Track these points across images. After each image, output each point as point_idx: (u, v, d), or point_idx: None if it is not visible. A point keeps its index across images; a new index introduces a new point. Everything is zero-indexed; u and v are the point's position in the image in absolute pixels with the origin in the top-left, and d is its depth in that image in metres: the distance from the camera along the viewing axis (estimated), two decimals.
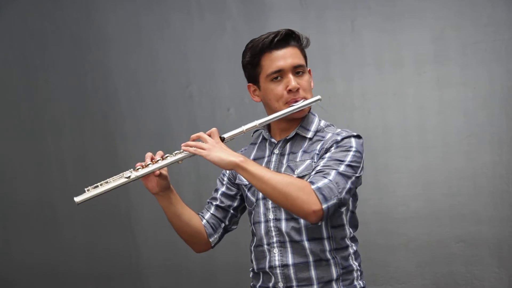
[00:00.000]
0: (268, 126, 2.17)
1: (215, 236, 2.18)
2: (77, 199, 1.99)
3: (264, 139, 2.18)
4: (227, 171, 2.21)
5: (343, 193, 1.91)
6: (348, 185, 1.93)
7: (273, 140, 2.13)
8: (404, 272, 3.59)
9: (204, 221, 2.17)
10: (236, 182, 2.19)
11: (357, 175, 1.98)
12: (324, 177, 1.90)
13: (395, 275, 3.61)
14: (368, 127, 3.61)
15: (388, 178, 3.61)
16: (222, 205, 2.20)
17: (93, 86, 3.97)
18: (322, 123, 2.13)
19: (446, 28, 3.55)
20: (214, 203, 2.20)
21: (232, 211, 2.21)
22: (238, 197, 2.21)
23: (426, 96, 3.58)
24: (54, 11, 3.99)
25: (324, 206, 1.87)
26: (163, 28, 3.90)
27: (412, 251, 3.59)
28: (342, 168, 1.94)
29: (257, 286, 2.12)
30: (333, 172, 1.92)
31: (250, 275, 2.17)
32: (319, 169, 1.94)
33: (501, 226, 3.48)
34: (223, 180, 2.23)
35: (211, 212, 2.19)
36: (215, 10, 3.84)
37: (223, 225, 2.20)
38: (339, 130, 2.08)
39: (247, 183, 2.12)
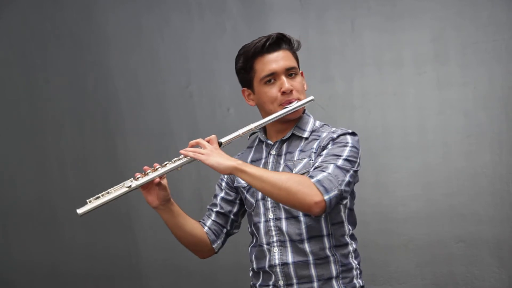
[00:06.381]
0: (264, 129, 2.20)
1: (218, 242, 2.22)
2: (80, 211, 2.02)
3: (260, 141, 2.21)
4: (225, 176, 2.25)
5: (343, 185, 1.94)
6: (347, 178, 1.96)
7: (269, 141, 2.17)
8: (404, 272, 3.59)
9: (206, 228, 2.21)
10: (234, 185, 2.21)
11: (354, 169, 2.01)
12: (323, 171, 1.94)
13: (395, 275, 3.60)
14: (368, 127, 3.61)
15: (388, 178, 3.61)
16: (222, 211, 2.23)
17: (93, 86, 3.97)
18: (317, 123, 2.16)
19: (446, 28, 3.54)
20: (215, 209, 2.23)
21: (232, 216, 2.24)
22: (238, 201, 2.24)
23: (426, 96, 3.58)
24: (54, 11, 3.99)
25: (326, 197, 1.89)
26: (163, 28, 3.90)
27: (412, 251, 3.58)
28: (340, 162, 1.97)
29: (257, 285, 2.14)
30: (331, 166, 1.95)
31: (250, 274, 2.20)
32: (317, 165, 1.98)
33: (501, 226, 3.47)
34: (221, 185, 2.26)
35: (212, 218, 2.22)
36: (215, 10, 3.84)
37: (225, 230, 2.23)
38: (334, 129, 2.11)
39: (245, 185, 2.16)
